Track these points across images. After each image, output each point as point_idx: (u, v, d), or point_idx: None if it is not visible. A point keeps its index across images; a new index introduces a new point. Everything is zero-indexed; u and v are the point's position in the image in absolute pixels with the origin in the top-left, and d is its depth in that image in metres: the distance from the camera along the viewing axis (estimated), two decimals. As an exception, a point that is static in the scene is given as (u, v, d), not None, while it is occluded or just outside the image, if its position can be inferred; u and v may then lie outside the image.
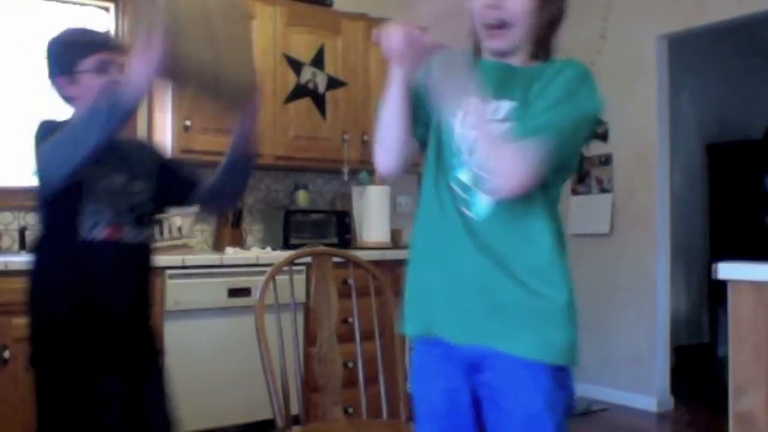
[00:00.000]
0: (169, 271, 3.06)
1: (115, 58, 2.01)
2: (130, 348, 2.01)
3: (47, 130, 1.87)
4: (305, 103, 3.77)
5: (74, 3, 3.57)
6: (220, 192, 2.17)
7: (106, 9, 3.65)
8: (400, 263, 3.73)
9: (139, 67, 1.73)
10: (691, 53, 5.61)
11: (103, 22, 3.64)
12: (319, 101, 3.81)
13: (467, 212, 1.43)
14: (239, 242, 3.78)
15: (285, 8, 3.72)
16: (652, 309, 4.46)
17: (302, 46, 3.77)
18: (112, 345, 1.95)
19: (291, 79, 3.73)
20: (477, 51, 1.49)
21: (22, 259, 2.87)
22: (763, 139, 6.06)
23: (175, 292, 3.07)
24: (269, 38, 3.66)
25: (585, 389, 4.73)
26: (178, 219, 3.30)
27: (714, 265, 1.77)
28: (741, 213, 5.96)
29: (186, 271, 3.12)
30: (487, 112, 1.38)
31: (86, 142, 1.75)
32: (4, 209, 3.31)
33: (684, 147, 5.86)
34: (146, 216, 2.04)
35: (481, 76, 1.38)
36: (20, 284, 2.73)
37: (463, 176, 1.44)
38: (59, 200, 1.88)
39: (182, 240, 3.30)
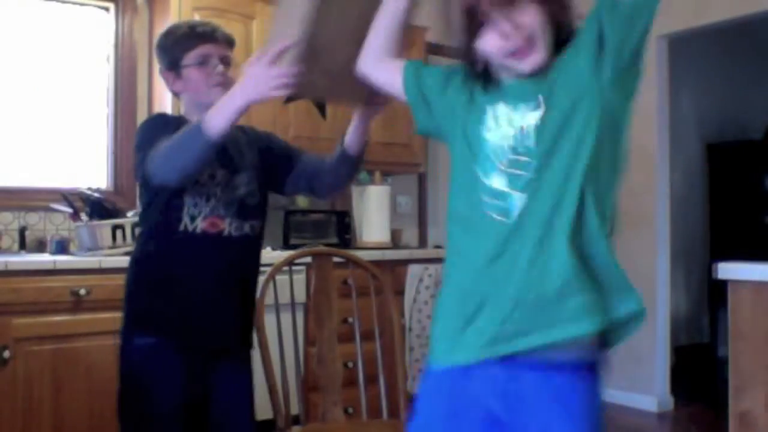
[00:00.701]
0: (169, 271, 3.06)
1: (218, 51, 1.99)
2: (217, 338, 1.98)
3: (151, 130, 1.89)
4: (305, 103, 3.74)
5: (74, 3, 3.57)
6: (320, 181, 2.11)
7: (106, 9, 3.65)
8: (400, 263, 3.73)
9: (249, 83, 1.69)
10: (691, 53, 5.62)
11: (102, 22, 3.65)
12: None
13: (503, 219, 1.35)
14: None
15: (285, 8, 3.72)
16: (652, 309, 4.46)
17: (302, 46, 3.77)
18: (199, 332, 1.94)
19: (291, 79, 3.72)
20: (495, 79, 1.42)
21: (22, 259, 2.87)
22: (763, 139, 6.06)
23: (175, 292, 3.07)
24: (269, 38, 3.66)
25: (585, 389, 4.73)
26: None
27: (714, 265, 1.77)
28: (741, 213, 5.96)
29: (186, 271, 3.11)
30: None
31: (186, 161, 1.72)
32: (4, 209, 3.31)
33: (684, 147, 5.86)
34: (250, 208, 2.00)
35: (511, 97, 1.37)
36: (20, 284, 2.74)
37: (496, 182, 1.37)
38: (159, 195, 1.90)
39: (182, 240, 3.30)
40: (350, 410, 3.16)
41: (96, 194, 3.20)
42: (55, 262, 2.85)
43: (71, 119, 3.57)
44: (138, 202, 2.09)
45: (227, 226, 1.93)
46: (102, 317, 2.88)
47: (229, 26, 3.52)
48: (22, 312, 2.74)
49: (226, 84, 1.95)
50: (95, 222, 3.10)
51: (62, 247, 3.23)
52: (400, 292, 3.67)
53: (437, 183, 4.69)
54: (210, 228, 1.91)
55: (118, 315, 2.91)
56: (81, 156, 3.59)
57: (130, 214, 3.24)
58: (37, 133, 3.48)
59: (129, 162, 3.64)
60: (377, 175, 3.98)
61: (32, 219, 3.36)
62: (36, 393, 2.74)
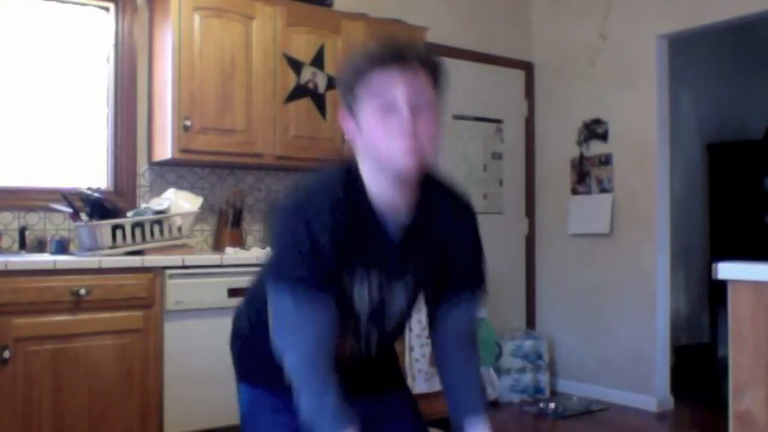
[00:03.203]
0: (169, 271, 3.06)
1: (415, 93, 1.33)
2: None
3: (277, 234, 1.42)
4: (305, 103, 3.77)
5: (74, 3, 3.57)
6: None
7: (106, 9, 3.65)
8: (400, 263, 3.73)
9: None
10: (691, 53, 5.61)
11: (102, 22, 3.64)
12: (319, 101, 3.81)
13: None
14: (239, 242, 3.78)
15: (285, 8, 3.72)
16: (652, 309, 4.46)
17: (302, 46, 3.77)
18: None
19: (291, 79, 3.72)
20: None
21: (22, 259, 2.87)
22: (763, 139, 6.06)
23: (175, 292, 3.07)
24: (269, 38, 3.66)
25: (585, 389, 4.73)
26: (178, 219, 3.30)
27: (714, 265, 1.77)
28: (741, 213, 5.96)
29: (186, 271, 3.12)
30: None
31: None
32: (4, 209, 3.31)
33: (684, 147, 5.86)
34: (396, 330, 1.54)
35: None
36: (20, 284, 2.74)
37: None
38: None
39: (182, 240, 3.30)
40: (350, 410, 3.16)
41: (96, 194, 3.20)
42: (55, 262, 2.85)
43: (71, 119, 3.57)
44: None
45: (355, 348, 1.50)
46: (102, 317, 2.89)
47: (229, 26, 3.54)
48: (22, 312, 2.74)
49: (414, 136, 1.32)
50: (95, 222, 3.10)
51: (62, 247, 3.23)
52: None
53: (437, 183, 4.68)
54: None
55: (118, 315, 2.93)
56: (81, 156, 3.59)
57: (130, 214, 3.25)
58: (37, 133, 3.48)
59: (129, 162, 3.64)
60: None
61: (32, 219, 3.36)
62: (36, 393, 2.74)
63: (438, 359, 1.60)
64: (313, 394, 1.34)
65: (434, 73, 1.38)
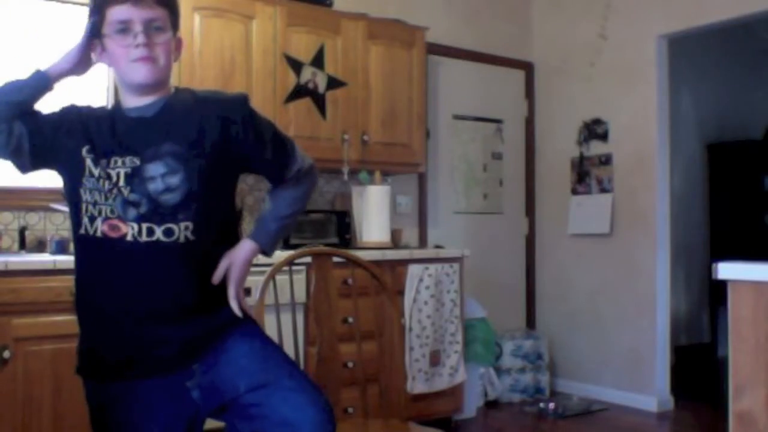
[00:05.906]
0: (169, 271, 3.06)
1: (141, 14, 1.60)
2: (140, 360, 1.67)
3: None
4: (305, 103, 3.77)
5: (74, 3, 3.57)
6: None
7: (106, 9, 3.64)
8: (400, 263, 3.73)
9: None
10: (691, 53, 5.62)
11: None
12: (319, 101, 3.81)
13: None
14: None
15: (285, 8, 3.72)
16: (652, 309, 4.46)
17: (302, 46, 3.77)
18: (113, 354, 1.67)
19: (291, 79, 3.72)
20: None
21: (22, 259, 2.87)
22: (763, 139, 6.07)
23: (175, 292, 3.07)
24: (269, 38, 3.66)
25: (585, 389, 4.74)
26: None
27: (714, 265, 1.77)
28: (741, 213, 5.97)
29: (186, 271, 3.11)
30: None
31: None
32: (4, 209, 3.31)
33: (684, 147, 5.86)
34: (169, 207, 1.60)
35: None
36: (20, 284, 2.75)
37: None
38: (67, 190, 1.70)
39: (182, 240, 3.30)
40: (350, 410, 3.16)
41: (96, 194, 3.20)
42: (55, 262, 2.85)
43: (71, 119, 3.57)
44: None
45: (129, 230, 1.59)
46: (102, 317, 2.88)
47: (229, 26, 3.54)
48: (22, 312, 2.74)
49: (152, 58, 1.61)
50: (95, 222, 3.09)
51: (62, 247, 3.22)
52: (400, 292, 3.67)
53: (437, 183, 4.69)
54: (110, 232, 1.60)
55: (118, 315, 2.93)
56: (81, 156, 3.58)
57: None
58: (37, 133, 3.47)
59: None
60: (377, 175, 3.98)
61: (32, 219, 3.36)
62: (36, 393, 2.74)
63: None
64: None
65: (167, 5, 1.65)
